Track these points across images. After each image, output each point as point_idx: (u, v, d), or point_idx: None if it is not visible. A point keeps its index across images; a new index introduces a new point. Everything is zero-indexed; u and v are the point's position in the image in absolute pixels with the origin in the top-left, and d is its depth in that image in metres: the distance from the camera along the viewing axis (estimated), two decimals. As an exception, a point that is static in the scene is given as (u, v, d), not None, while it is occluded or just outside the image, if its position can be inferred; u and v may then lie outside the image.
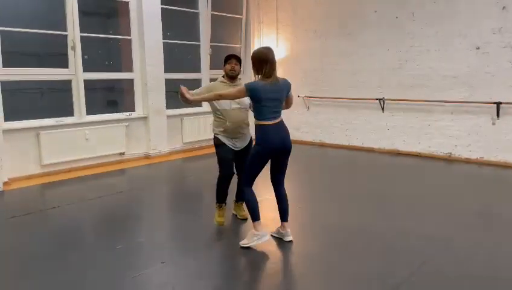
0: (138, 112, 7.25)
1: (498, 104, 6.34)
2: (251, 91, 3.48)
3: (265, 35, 9.11)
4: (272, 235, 3.81)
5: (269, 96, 3.49)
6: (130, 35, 7.13)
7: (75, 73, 6.37)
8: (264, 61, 3.47)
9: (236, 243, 3.68)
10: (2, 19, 5.61)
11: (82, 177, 6.07)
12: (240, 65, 4.05)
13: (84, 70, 6.46)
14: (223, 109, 3.97)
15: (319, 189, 5.59)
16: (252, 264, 3.48)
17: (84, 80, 6.49)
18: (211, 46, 8.35)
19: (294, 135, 8.63)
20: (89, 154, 6.49)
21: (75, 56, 6.31)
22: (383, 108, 7.60)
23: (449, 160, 6.88)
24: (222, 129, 4.00)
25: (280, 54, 8.94)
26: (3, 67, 5.67)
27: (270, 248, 3.67)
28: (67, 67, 6.36)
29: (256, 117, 3.57)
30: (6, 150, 5.62)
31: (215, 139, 4.08)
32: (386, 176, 6.20)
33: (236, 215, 4.40)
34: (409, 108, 7.32)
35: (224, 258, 3.59)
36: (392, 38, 7.36)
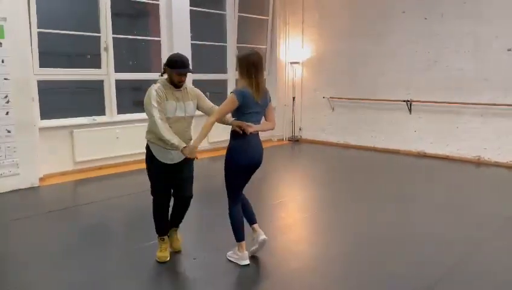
0: (166, 112, 7.39)
1: (530, 106, 6.22)
2: (243, 98, 3.14)
3: (291, 37, 9.15)
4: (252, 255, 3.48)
5: (257, 104, 3.22)
6: (158, 36, 7.29)
7: (107, 73, 6.56)
8: (253, 65, 3.17)
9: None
10: (39, 21, 5.82)
11: (112, 175, 6.24)
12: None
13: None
14: (166, 117, 3.27)
15: (343, 190, 5.59)
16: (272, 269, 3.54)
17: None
18: (238, 48, 8.45)
19: (319, 136, 8.70)
20: (119, 152, 6.67)
21: (108, 57, 6.50)
22: (410, 110, 7.54)
23: (478, 163, 6.78)
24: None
25: (305, 55, 8.98)
26: (39, 67, 5.88)
27: (297, 248, 3.72)
28: (99, 68, 6.55)
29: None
30: (41, 147, 5.83)
31: (148, 149, 3.45)
32: (412, 179, 6.16)
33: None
34: (437, 110, 7.24)
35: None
36: (421, 39, 7.29)
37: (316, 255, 3.65)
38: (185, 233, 4.14)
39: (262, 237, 3.44)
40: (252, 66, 3.17)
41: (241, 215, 3.39)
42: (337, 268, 3.38)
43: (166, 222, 3.53)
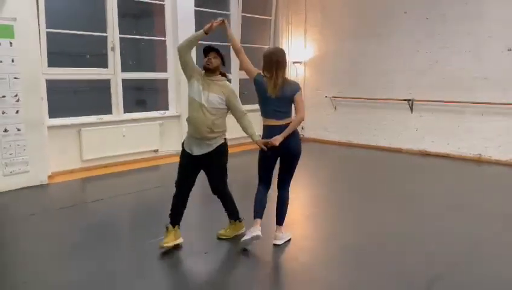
0: (172, 111, 7.50)
1: (530, 105, 6.33)
2: (255, 80, 3.54)
3: (294, 36, 9.24)
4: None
5: (270, 97, 3.47)
6: (163, 36, 7.38)
7: (114, 73, 6.66)
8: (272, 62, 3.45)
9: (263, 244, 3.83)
10: (48, 21, 5.92)
11: (119, 173, 6.34)
12: (221, 59, 3.53)
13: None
14: (191, 97, 3.46)
15: (346, 189, 5.69)
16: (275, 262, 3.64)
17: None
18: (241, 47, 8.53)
19: (321, 134, 8.80)
20: (126, 150, 6.77)
21: (115, 56, 6.60)
22: (411, 109, 7.64)
23: (479, 161, 6.88)
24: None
25: (308, 54, 9.07)
26: (48, 66, 5.98)
27: (300, 241, 3.83)
28: (106, 67, 6.65)
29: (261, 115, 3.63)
30: (50, 146, 5.93)
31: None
32: (414, 177, 6.25)
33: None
34: (438, 109, 7.34)
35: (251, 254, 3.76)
36: (422, 39, 7.39)
37: (323, 250, 3.75)
38: (192, 228, 4.25)
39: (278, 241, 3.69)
40: (270, 62, 3.44)
41: (261, 194, 3.67)
42: (344, 262, 3.48)
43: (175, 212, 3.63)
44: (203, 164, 3.56)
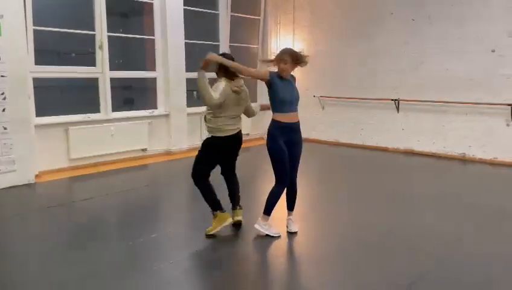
0: (160, 110, 7.49)
1: (513, 105, 6.48)
2: (272, 78, 3.68)
3: (282, 36, 9.29)
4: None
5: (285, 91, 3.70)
6: (149, 35, 7.38)
7: (102, 71, 6.62)
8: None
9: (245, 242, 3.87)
10: (34, 18, 5.87)
11: (107, 172, 6.31)
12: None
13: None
14: None
15: (333, 187, 5.76)
16: (261, 260, 3.69)
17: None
18: (230, 47, 8.57)
19: (310, 134, 8.86)
20: (114, 149, 6.74)
21: (102, 55, 6.57)
22: (398, 108, 7.75)
23: (463, 160, 7.01)
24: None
25: (297, 54, 9.12)
26: (35, 64, 5.93)
27: (289, 240, 3.88)
28: (93, 66, 6.61)
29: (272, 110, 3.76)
30: (37, 145, 5.88)
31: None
32: (401, 176, 6.36)
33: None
34: (424, 109, 7.46)
35: (237, 255, 3.80)
36: (408, 40, 7.51)
37: (311, 249, 3.81)
38: (181, 226, 4.28)
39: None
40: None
41: (276, 191, 3.81)
42: (331, 260, 3.54)
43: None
44: None
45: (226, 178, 4.20)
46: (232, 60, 3.81)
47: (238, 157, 4.16)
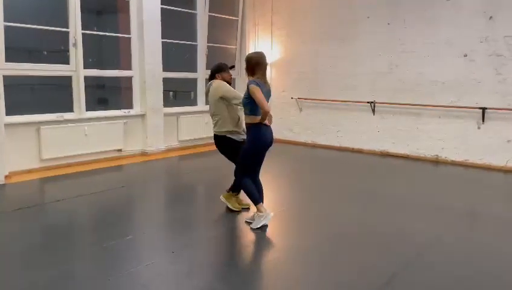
0: (136, 110, 7.38)
1: (483, 109, 6.66)
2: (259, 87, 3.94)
3: (260, 38, 9.31)
4: (246, 221, 4.24)
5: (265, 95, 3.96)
6: (124, 33, 7.26)
7: (76, 70, 6.47)
8: (259, 63, 4.01)
9: (230, 239, 3.87)
10: (4, 14, 5.68)
11: (81, 173, 6.17)
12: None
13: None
14: (236, 107, 4.46)
15: (310, 188, 5.80)
16: (246, 261, 3.67)
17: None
18: (208, 47, 8.52)
19: (287, 135, 8.91)
20: (88, 150, 6.60)
21: (76, 53, 6.42)
22: (373, 111, 7.87)
23: (436, 162, 7.18)
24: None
25: (274, 56, 9.17)
26: (5, 62, 5.74)
27: (267, 240, 3.88)
28: (65, 64, 6.44)
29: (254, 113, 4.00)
30: (7, 144, 5.69)
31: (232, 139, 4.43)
32: (375, 177, 6.45)
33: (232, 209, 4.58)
34: (399, 111, 7.61)
35: (221, 254, 3.77)
36: (384, 44, 7.64)
37: (290, 248, 3.81)
38: (162, 228, 4.21)
39: (271, 214, 4.16)
40: (265, 65, 4.08)
41: (250, 181, 4.16)
42: (309, 260, 3.55)
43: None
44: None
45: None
46: (226, 66, 4.58)
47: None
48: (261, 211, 4.07)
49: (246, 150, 4.12)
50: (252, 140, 4.04)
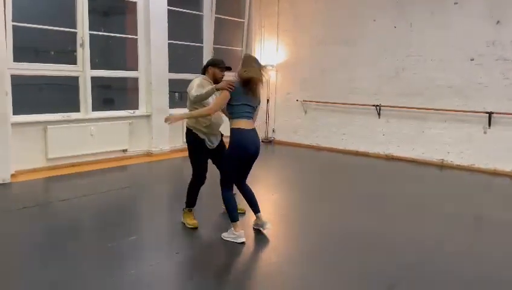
0: (142, 110, 7.40)
1: (490, 114, 6.63)
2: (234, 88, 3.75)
3: (266, 40, 9.33)
4: (253, 228, 4.10)
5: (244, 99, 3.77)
6: (131, 34, 7.30)
7: (83, 70, 6.51)
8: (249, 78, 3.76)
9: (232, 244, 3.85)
10: (13, 14, 5.72)
11: (86, 173, 6.19)
12: None
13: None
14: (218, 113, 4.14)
15: (314, 191, 5.78)
16: (245, 263, 3.67)
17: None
18: (214, 48, 8.55)
19: (292, 137, 8.91)
20: (93, 149, 6.63)
21: (84, 53, 6.45)
22: (379, 114, 7.85)
23: (441, 166, 7.14)
24: (204, 126, 4.04)
25: (280, 58, 9.18)
26: (14, 61, 5.78)
27: (271, 243, 3.87)
28: (72, 64, 6.47)
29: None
30: (14, 143, 5.73)
31: (193, 135, 4.08)
32: (380, 180, 6.43)
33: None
34: (404, 115, 7.58)
35: (217, 255, 3.77)
36: (390, 47, 7.62)
37: (293, 250, 3.81)
38: (164, 230, 4.22)
39: (268, 225, 3.99)
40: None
41: (234, 198, 3.88)
42: (312, 263, 3.54)
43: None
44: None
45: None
46: (222, 63, 4.21)
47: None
48: (235, 231, 3.79)
49: (225, 156, 3.88)
50: (230, 145, 3.78)
